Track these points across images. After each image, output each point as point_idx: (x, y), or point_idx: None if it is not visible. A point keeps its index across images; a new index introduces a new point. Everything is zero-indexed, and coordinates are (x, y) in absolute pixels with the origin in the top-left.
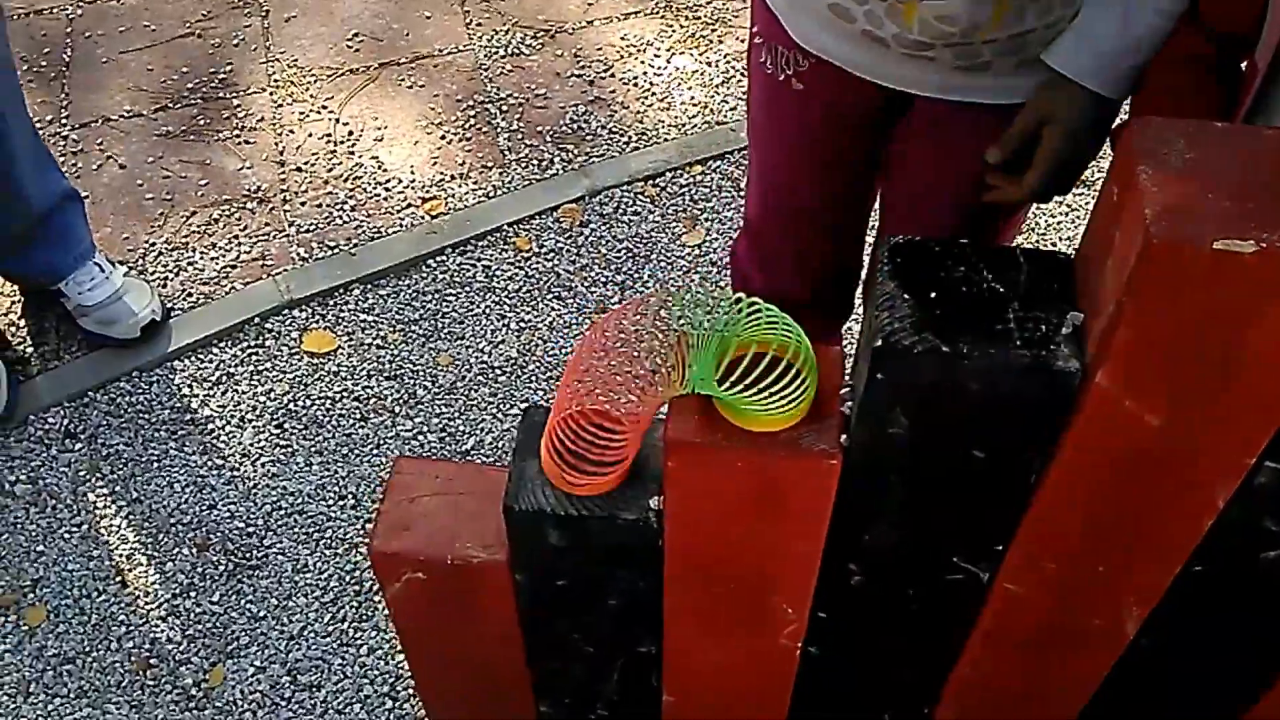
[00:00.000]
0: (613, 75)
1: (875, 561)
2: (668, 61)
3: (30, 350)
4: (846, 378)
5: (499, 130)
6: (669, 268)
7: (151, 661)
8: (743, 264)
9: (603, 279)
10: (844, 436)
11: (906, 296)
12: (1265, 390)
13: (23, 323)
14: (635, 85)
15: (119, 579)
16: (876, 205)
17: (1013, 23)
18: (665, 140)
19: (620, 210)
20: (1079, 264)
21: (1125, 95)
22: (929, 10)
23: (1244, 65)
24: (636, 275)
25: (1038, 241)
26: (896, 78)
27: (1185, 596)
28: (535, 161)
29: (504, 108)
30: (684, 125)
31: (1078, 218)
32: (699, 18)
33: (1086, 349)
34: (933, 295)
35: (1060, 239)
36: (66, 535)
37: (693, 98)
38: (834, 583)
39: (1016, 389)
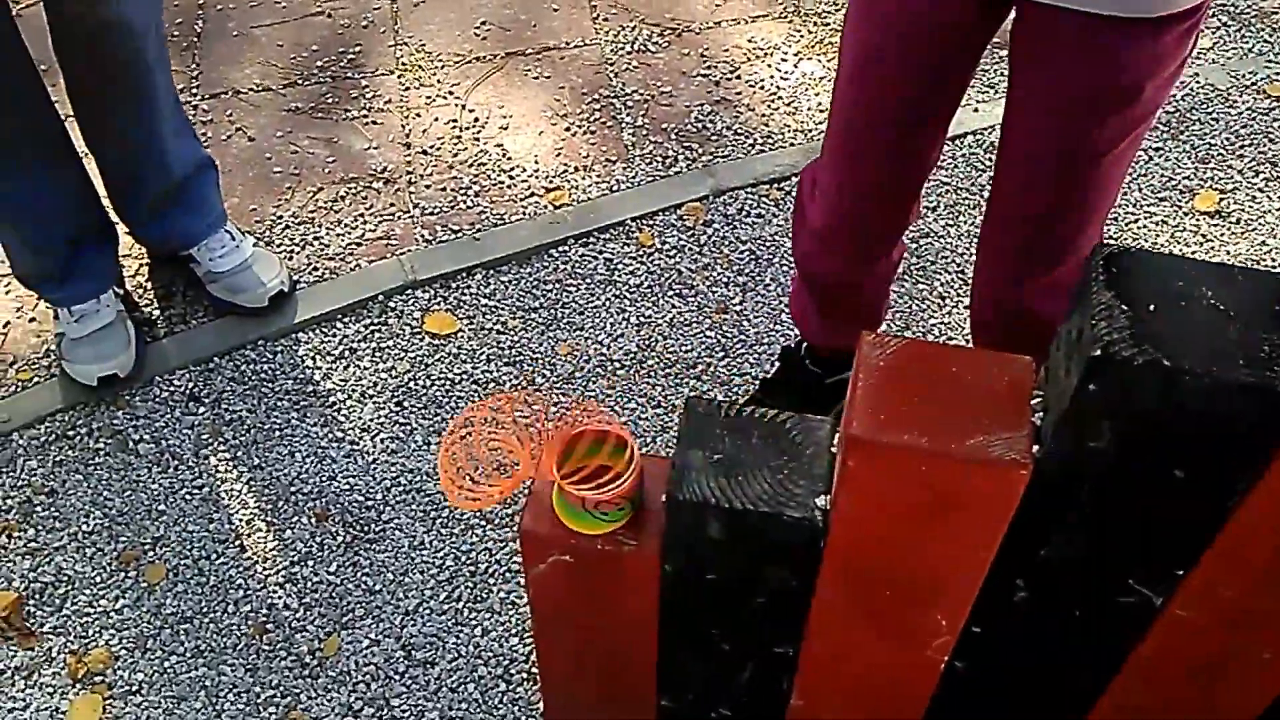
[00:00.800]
0: (739, 77)
1: (1045, 578)
2: (795, 66)
3: (157, 314)
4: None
5: (623, 125)
6: (790, 272)
7: (268, 626)
8: (804, 190)
9: (724, 279)
10: (1036, 447)
11: (1125, 307)
12: None
13: (150, 286)
14: (761, 88)
15: (238, 543)
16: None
17: None
18: (791, 145)
19: (744, 212)
20: None
21: None
22: None
23: None
24: (759, 278)
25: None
26: None
27: None
28: (659, 158)
29: (629, 103)
30: (809, 131)
31: (1169, 230)
32: (828, 24)
33: None
34: (1151, 308)
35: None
36: (187, 496)
37: (819, 104)
38: (996, 597)
39: (1234, 409)
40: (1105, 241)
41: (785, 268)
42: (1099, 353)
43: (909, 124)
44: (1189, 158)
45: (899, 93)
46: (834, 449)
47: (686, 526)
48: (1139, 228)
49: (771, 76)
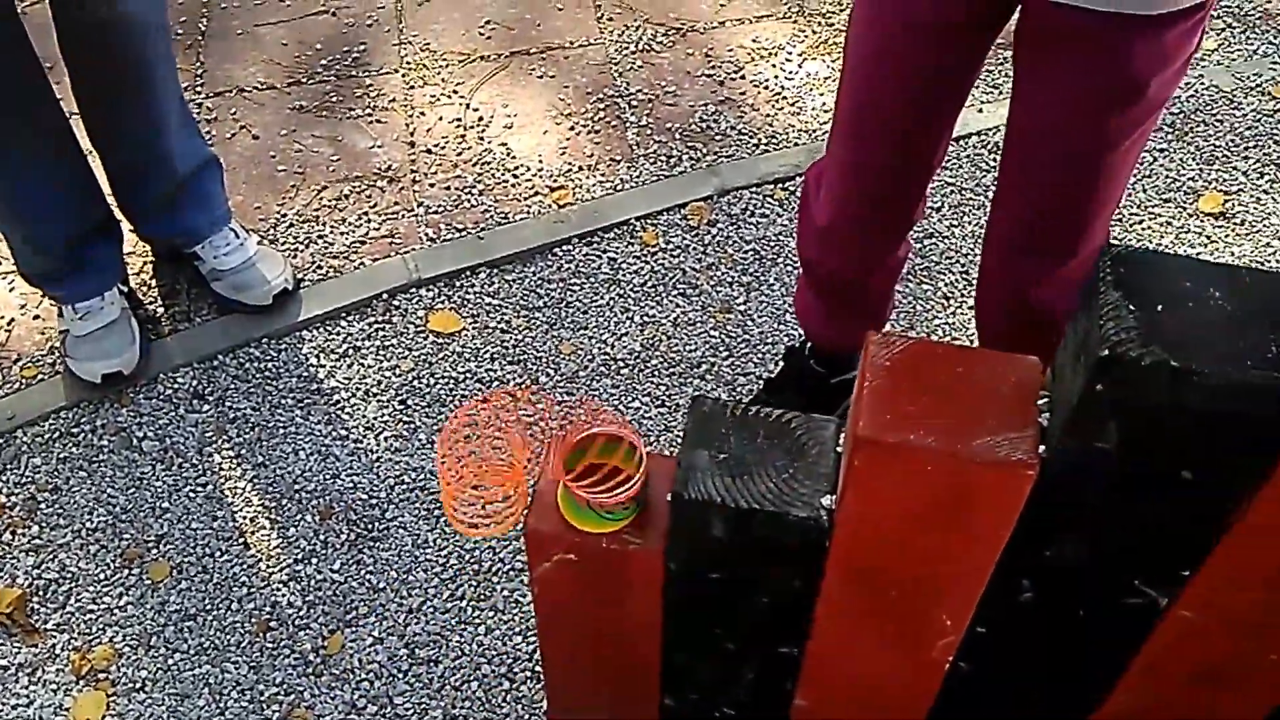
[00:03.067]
0: (743, 77)
1: (1051, 578)
2: (799, 66)
3: (161, 311)
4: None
5: (628, 125)
6: (794, 272)
7: (271, 624)
8: (810, 188)
9: (728, 279)
10: (1042, 447)
11: (1132, 307)
12: None
13: (154, 284)
14: (766, 88)
15: (241, 540)
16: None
17: None
18: (795, 145)
19: (748, 211)
20: None
21: None
22: None
23: None
24: (763, 277)
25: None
26: None
27: None
28: (664, 158)
29: (633, 103)
30: (814, 131)
31: (1174, 231)
32: (832, 25)
33: None
34: (1159, 308)
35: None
36: (191, 494)
37: (824, 104)
38: (1001, 597)
39: (1242, 409)
40: (1113, 242)
41: (789, 267)
42: (1107, 353)
43: (914, 123)
44: (1194, 159)
45: (904, 92)
46: (839, 448)
47: (692, 525)
48: (1143, 229)
49: (776, 76)
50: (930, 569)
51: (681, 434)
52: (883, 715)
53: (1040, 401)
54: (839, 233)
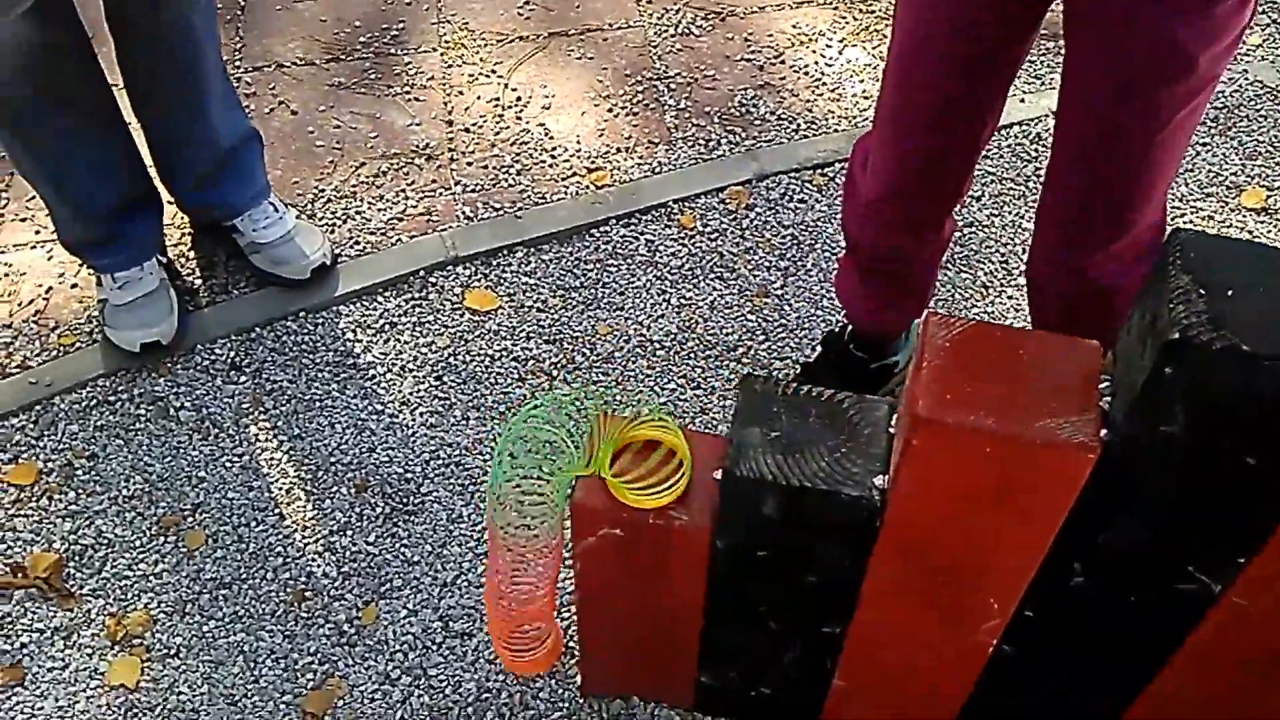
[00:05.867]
0: (783, 62)
1: (1103, 563)
2: (839, 53)
3: (199, 283)
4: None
5: (666, 107)
6: (832, 258)
7: (306, 594)
8: (856, 162)
9: (766, 263)
10: (1104, 431)
11: (1202, 291)
12: None
13: (193, 256)
14: (806, 74)
15: (277, 511)
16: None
17: None
18: (835, 131)
19: (787, 196)
20: None
21: None
22: None
23: None
24: (800, 263)
25: None
26: None
27: None
28: (702, 141)
29: (672, 86)
30: (854, 117)
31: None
32: (873, 11)
33: None
34: (1229, 293)
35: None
36: (228, 464)
37: (864, 90)
38: (1052, 581)
39: None
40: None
41: (827, 253)
42: (1176, 336)
43: (957, 110)
44: (1236, 154)
45: (945, 82)
46: (892, 429)
47: (742, 503)
48: (1185, 222)
49: (816, 62)
50: (981, 551)
51: (730, 415)
52: (920, 699)
53: (1102, 385)
54: (886, 207)
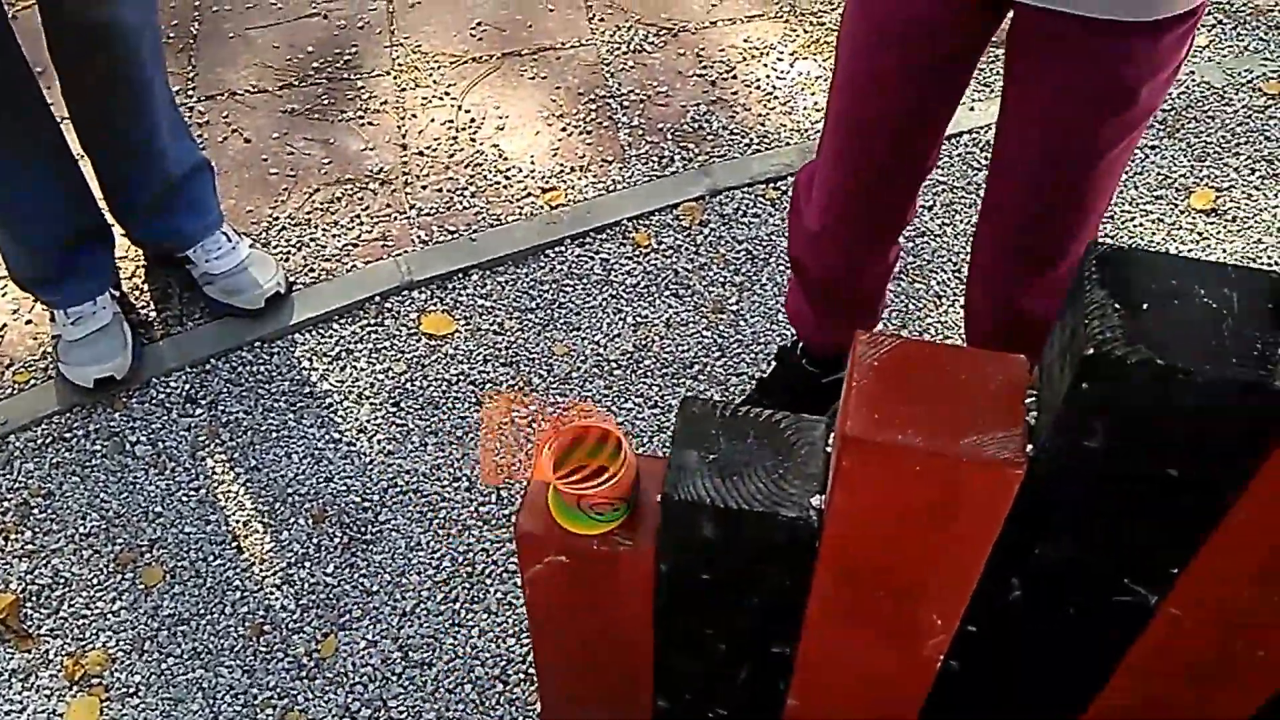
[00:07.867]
0: (735, 77)
1: (1040, 577)
2: (791, 66)
3: (154, 315)
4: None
5: (620, 125)
6: (787, 271)
7: (265, 628)
8: (800, 192)
9: (721, 279)
10: (1030, 447)
11: (1117, 306)
12: None
13: (147, 288)
14: (758, 88)
15: (234, 544)
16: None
17: None
18: (787, 145)
19: (741, 211)
20: None
21: None
22: None
23: None
24: (755, 277)
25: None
26: None
27: None
28: (656, 158)
29: (625, 103)
30: (806, 130)
31: (1165, 228)
32: (823, 24)
33: None
34: (1144, 306)
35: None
36: (184, 498)
37: (815, 104)
38: (991, 596)
39: (1229, 408)
40: (1099, 240)
41: (782, 267)
42: (1092, 351)
43: (906, 126)
44: (1185, 155)
45: (896, 96)
46: (829, 448)
47: (682, 526)
48: (1135, 226)
49: (768, 76)
50: (920, 568)
51: (672, 434)
52: (875, 715)
53: (1028, 400)
54: (830, 234)
